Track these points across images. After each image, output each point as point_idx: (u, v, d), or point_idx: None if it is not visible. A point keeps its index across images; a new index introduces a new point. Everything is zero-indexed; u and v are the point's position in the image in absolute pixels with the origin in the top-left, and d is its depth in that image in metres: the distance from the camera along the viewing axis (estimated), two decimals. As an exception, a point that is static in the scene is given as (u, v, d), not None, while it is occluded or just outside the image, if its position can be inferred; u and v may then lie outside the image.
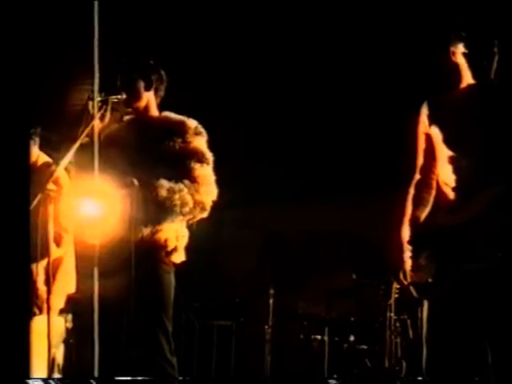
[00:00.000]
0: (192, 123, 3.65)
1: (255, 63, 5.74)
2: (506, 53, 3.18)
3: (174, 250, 3.58)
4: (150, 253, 3.48)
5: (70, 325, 4.83)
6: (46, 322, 3.24)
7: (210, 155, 3.63)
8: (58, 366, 4.46)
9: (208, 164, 3.60)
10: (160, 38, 5.30)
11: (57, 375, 4.40)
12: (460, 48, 3.16)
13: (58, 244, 3.99)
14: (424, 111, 3.28)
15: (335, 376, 6.42)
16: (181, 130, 3.61)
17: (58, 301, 4.05)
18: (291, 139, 7.22)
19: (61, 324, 4.35)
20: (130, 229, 3.37)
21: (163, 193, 3.44)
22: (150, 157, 3.55)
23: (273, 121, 6.86)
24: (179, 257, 3.61)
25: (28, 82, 2.62)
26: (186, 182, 3.51)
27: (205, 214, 3.58)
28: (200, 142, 3.62)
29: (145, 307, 3.39)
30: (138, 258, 3.32)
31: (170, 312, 3.55)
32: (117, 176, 3.46)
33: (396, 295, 6.05)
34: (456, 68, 3.24)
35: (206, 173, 3.57)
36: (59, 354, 4.45)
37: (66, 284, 4.14)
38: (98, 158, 3.58)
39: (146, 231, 3.46)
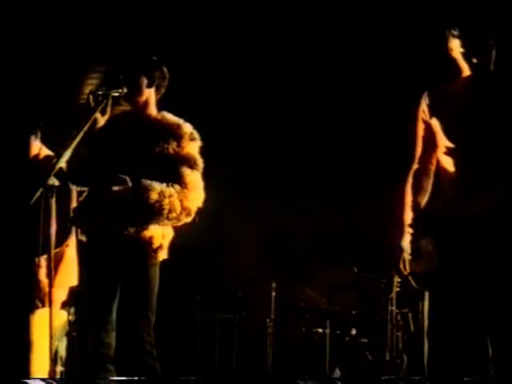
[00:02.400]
0: (188, 128, 3.69)
1: (256, 56, 5.74)
2: (505, 43, 3.17)
3: (159, 247, 3.63)
4: (136, 247, 3.51)
5: (72, 318, 4.85)
6: (49, 315, 3.26)
7: (200, 161, 3.68)
8: (61, 358, 4.48)
9: (198, 170, 3.66)
10: (163, 35, 5.31)
11: (60, 368, 4.43)
12: (456, 46, 3.15)
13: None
14: (425, 101, 3.26)
15: (337, 368, 6.44)
16: (177, 134, 3.65)
17: (60, 293, 4.08)
18: (293, 133, 7.23)
19: (63, 317, 4.37)
20: (120, 225, 3.45)
21: (154, 196, 3.49)
22: (143, 156, 3.58)
23: (274, 114, 6.86)
24: (163, 254, 3.67)
25: (30, 77, 2.64)
26: (177, 187, 3.56)
27: (189, 219, 3.63)
28: (193, 148, 3.66)
29: (128, 299, 3.43)
30: (124, 252, 3.38)
31: (153, 304, 3.59)
32: (110, 172, 3.51)
33: (397, 288, 6.06)
34: (455, 60, 3.23)
35: (195, 179, 3.62)
36: (62, 346, 4.47)
37: (68, 277, 4.16)
38: (94, 152, 3.63)
39: (132, 230, 3.50)
